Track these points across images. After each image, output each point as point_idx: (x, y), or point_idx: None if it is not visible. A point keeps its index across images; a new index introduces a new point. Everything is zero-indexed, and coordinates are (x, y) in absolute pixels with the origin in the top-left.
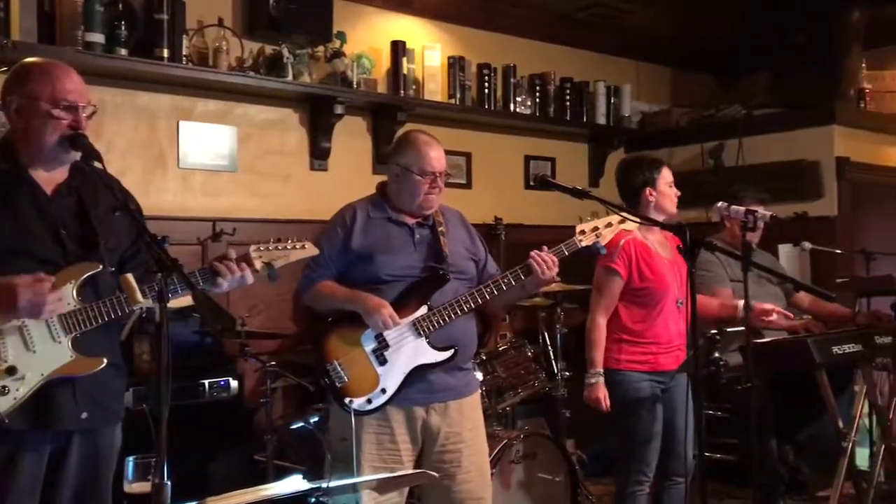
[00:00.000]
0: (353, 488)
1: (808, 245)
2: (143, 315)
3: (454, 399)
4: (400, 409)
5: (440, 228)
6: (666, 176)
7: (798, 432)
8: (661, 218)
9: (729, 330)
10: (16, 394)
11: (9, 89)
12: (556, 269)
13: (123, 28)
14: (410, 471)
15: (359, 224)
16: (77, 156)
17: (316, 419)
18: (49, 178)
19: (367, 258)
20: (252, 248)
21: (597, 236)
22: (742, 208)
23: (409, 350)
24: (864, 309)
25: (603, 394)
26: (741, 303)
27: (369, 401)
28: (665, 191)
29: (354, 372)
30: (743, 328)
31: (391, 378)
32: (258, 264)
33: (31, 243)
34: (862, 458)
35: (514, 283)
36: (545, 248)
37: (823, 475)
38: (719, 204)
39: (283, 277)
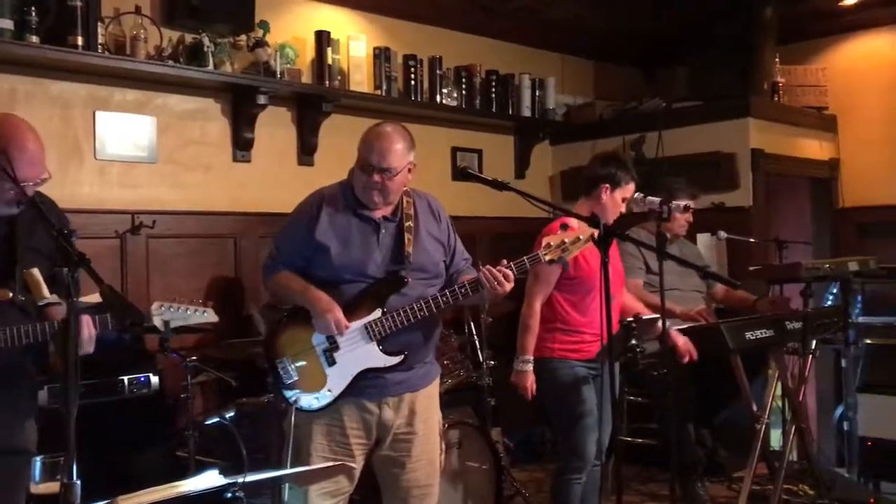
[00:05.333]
0: (279, 482)
1: (723, 234)
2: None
3: (409, 392)
4: (352, 403)
5: (408, 223)
6: (627, 190)
7: (715, 416)
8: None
9: (645, 318)
10: None
11: None
12: (509, 285)
13: (34, 14)
14: (329, 463)
15: (324, 214)
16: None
17: (231, 414)
18: None
19: (328, 252)
20: (154, 305)
21: (563, 251)
22: (657, 199)
23: (359, 353)
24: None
25: (531, 382)
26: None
27: (316, 399)
28: (617, 200)
29: (303, 370)
30: (658, 316)
31: (338, 379)
32: (157, 321)
33: None
34: (776, 439)
35: (468, 294)
36: (505, 261)
37: (740, 457)
38: (636, 195)
39: (206, 268)
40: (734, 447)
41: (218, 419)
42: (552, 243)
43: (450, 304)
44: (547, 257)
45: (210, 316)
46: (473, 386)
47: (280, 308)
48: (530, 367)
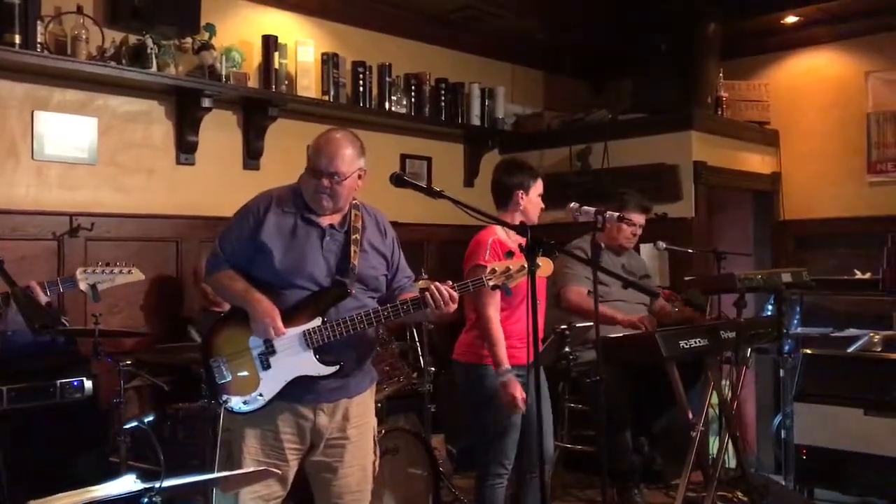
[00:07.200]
0: (200, 486)
1: (662, 244)
2: None
3: (345, 398)
4: (286, 408)
5: (354, 236)
6: (538, 187)
7: (653, 423)
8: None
9: (578, 325)
10: None
11: None
12: (453, 305)
13: None
14: (251, 469)
15: (272, 215)
16: None
17: (150, 418)
18: None
19: (271, 254)
20: (79, 270)
21: (507, 278)
22: (592, 209)
23: (294, 360)
24: (714, 304)
25: (519, 390)
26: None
27: (245, 402)
28: (535, 200)
29: (237, 371)
30: (592, 324)
31: (271, 384)
32: (83, 285)
33: None
34: (715, 446)
35: (409, 311)
36: (450, 282)
37: (677, 464)
38: (572, 204)
39: (146, 271)
40: (672, 455)
41: (136, 423)
42: (497, 269)
43: (390, 320)
44: (491, 283)
45: (136, 275)
46: (415, 392)
47: (212, 312)
48: (512, 374)
